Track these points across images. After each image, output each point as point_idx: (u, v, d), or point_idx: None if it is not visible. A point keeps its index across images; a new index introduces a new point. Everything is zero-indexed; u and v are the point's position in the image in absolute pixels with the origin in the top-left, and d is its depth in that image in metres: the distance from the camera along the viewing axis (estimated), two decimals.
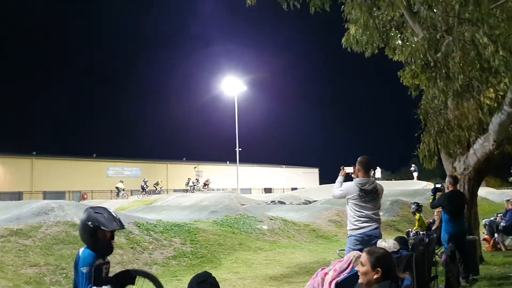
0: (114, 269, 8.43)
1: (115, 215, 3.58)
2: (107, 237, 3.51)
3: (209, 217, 13.61)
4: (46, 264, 7.95)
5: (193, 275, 2.74)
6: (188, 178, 44.40)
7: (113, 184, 53.69)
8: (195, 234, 11.36)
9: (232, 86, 43.68)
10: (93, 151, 58.16)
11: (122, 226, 3.61)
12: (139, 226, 10.95)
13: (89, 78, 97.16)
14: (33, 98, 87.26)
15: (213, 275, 2.70)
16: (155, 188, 41.54)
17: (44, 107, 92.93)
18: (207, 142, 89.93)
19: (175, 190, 50.21)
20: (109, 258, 9.20)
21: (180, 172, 58.44)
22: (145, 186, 41.14)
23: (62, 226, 9.75)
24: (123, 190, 39.57)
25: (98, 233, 3.44)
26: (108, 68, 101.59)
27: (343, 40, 9.59)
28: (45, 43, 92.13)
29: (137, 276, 3.92)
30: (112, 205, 27.76)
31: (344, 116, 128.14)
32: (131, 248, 9.78)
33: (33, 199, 36.80)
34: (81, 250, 3.47)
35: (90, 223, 3.42)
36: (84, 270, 3.32)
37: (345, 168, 5.61)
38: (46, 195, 45.23)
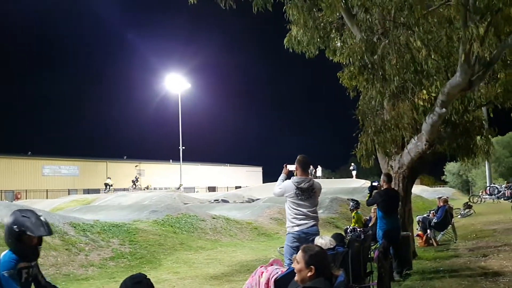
0: (47, 272, 8.14)
1: (43, 220, 3.33)
2: (33, 242, 3.30)
3: (150, 216, 13.34)
4: None
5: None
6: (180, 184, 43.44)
7: (49, 183, 51.38)
8: (134, 234, 11.11)
9: (175, 84, 43.10)
10: (28, 148, 55.42)
11: (49, 232, 3.36)
12: (75, 227, 10.56)
13: (24, 72, 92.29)
14: None
15: (148, 276, 2.63)
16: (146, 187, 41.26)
17: None
18: (150, 140, 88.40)
19: (115, 190, 48.92)
20: (41, 260, 8.76)
21: (120, 171, 56.98)
22: (136, 181, 41.78)
23: None
24: (111, 186, 39.84)
25: (24, 238, 3.22)
26: (44, 62, 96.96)
27: (285, 40, 9.69)
28: None
29: None
30: (48, 204, 26.64)
31: (288, 115, 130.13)
32: (66, 249, 9.41)
33: None
34: (3, 253, 3.28)
35: (16, 227, 3.20)
36: (6, 274, 3.13)
37: (287, 166, 5.69)
38: None
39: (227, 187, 60.12)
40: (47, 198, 41.64)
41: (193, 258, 10.18)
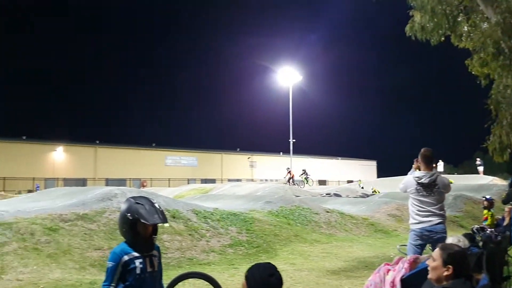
0: (173, 255, 8.70)
1: (158, 207, 3.10)
2: (148, 231, 3.06)
3: (264, 207, 13.60)
4: (110, 248, 8.23)
5: (251, 263, 2.55)
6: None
7: (171, 173, 55.26)
8: (250, 223, 11.39)
9: (287, 76, 43.20)
10: (152, 140, 59.99)
11: (164, 220, 3.07)
12: (197, 214, 11.10)
13: (148, 71, 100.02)
14: (96, 90, 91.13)
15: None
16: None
17: (106, 98, 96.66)
18: (261, 133, 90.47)
19: (229, 180, 50.87)
20: (167, 244, 9.35)
21: (234, 162, 59.21)
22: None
23: None
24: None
25: (138, 226, 3.01)
26: (165, 62, 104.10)
27: (407, 28, 9.19)
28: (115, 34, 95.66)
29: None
30: (171, 192, 28.43)
31: (403, 107, 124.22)
32: (190, 235, 9.95)
33: (97, 185, 38.36)
34: (120, 243, 3.12)
35: (129, 214, 3.00)
36: (109, 265, 2.98)
37: (418, 160, 5.47)
38: (109, 182, 47.21)
39: (339, 181, 59.45)
40: (169, 186, 44.69)
41: (308, 250, 10.18)
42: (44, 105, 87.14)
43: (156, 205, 3.12)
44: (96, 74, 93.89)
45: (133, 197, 3.18)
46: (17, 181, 43.96)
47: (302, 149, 58.15)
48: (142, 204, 3.05)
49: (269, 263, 2.55)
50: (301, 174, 32.79)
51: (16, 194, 33.26)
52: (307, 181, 32.45)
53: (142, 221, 2.97)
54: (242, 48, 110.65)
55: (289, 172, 32.00)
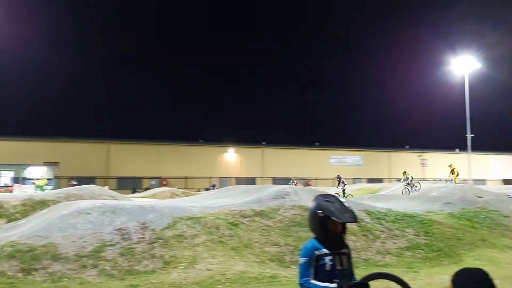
0: None
1: (347, 206, 3.08)
2: (337, 229, 3.06)
3: (443, 208, 12.64)
4: (286, 244, 8.49)
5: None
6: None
7: (336, 172, 55.25)
8: (429, 226, 10.66)
9: (462, 65, 39.38)
10: (315, 140, 60.73)
11: (355, 219, 3.06)
12: (369, 214, 10.81)
13: (308, 71, 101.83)
14: (260, 94, 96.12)
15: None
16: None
17: (269, 101, 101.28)
18: (433, 128, 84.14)
19: (398, 180, 48.79)
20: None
21: (402, 161, 56.55)
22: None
23: (297, 209, 10.27)
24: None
25: (329, 224, 3.02)
26: (323, 56, 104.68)
27: None
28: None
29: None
30: (334, 192, 28.31)
31: None
32: (363, 235, 9.71)
33: (264, 184, 40.29)
34: (309, 240, 3.14)
35: (320, 211, 3.03)
36: (301, 261, 3.01)
37: None
38: (275, 181, 49.29)
39: None
40: (333, 186, 44.65)
41: (498, 257, 9.10)
42: (216, 110, 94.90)
43: (346, 204, 3.08)
44: (259, 80, 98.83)
45: (322, 195, 3.19)
46: (196, 180, 48.77)
47: (482, 145, 52.76)
48: (332, 202, 3.06)
49: (479, 268, 2.23)
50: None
51: (195, 191, 36.92)
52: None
53: (333, 218, 2.97)
54: (411, 38, 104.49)
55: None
